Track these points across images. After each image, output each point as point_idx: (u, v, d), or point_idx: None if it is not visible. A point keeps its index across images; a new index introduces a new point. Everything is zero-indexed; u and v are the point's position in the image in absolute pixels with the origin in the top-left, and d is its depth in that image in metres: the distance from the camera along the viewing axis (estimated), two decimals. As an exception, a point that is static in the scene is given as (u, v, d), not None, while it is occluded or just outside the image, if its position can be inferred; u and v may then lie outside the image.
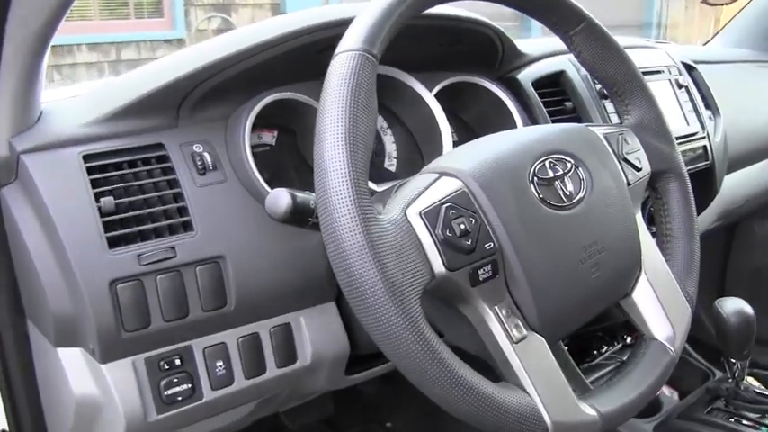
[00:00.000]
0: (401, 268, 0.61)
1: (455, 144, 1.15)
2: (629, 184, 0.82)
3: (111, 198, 0.78)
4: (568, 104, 1.16)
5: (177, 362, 0.81)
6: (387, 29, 0.67)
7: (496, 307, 0.68)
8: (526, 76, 1.13)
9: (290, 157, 0.98)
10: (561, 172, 0.74)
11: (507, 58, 1.11)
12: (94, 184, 0.79)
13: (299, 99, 0.92)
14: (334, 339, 0.91)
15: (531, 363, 0.68)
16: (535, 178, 0.72)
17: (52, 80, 4.26)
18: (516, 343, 0.68)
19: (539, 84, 1.14)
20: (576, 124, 0.83)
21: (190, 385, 0.81)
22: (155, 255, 0.78)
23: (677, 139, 1.27)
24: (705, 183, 1.37)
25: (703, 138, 1.34)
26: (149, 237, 0.80)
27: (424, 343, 0.60)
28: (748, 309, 1.09)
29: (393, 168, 1.09)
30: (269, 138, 0.99)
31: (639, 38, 1.60)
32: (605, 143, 0.82)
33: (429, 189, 0.67)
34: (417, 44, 1.01)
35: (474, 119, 1.15)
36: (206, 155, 0.85)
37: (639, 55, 1.34)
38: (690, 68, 1.43)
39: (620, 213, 0.78)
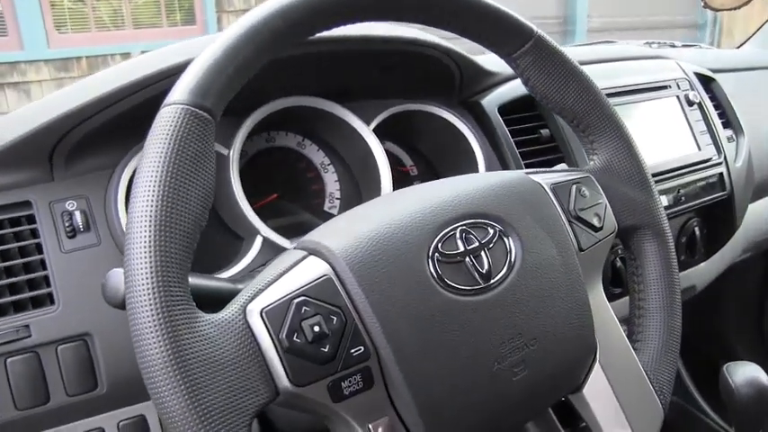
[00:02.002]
0: (226, 387, 0.46)
1: (413, 180, 1.01)
2: (581, 250, 0.64)
3: None
4: (545, 132, 0.98)
5: None
6: (228, 76, 0.51)
7: (371, 425, 0.52)
8: (492, 99, 0.96)
9: None
10: (477, 243, 0.57)
11: (469, 80, 0.94)
12: None
13: None
14: None
15: None
16: (436, 254, 0.55)
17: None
18: None
19: (509, 108, 0.97)
20: (512, 173, 0.66)
21: None
22: (3, 335, 0.67)
23: (685, 167, 1.09)
24: (723, 215, 1.17)
25: (719, 164, 1.14)
26: (7, 311, 0.69)
27: None
28: (764, 378, 0.88)
29: (335, 211, 0.94)
30: None
31: (648, 44, 1.41)
32: (551, 198, 0.64)
33: (286, 275, 0.52)
34: (354, 70, 0.86)
35: (431, 151, 1.00)
36: (77, 213, 0.73)
37: (642, 67, 1.15)
38: (706, 80, 1.23)
39: (564, 291, 0.60)
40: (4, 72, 3.96)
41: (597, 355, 0.64)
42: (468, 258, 0.56)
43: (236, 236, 0.83)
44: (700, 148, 1.12)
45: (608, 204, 0.68)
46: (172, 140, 0.49)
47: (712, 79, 1.24)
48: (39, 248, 0.72)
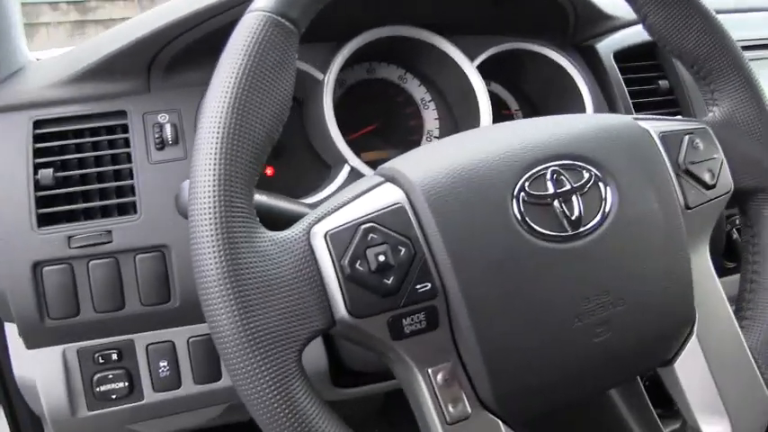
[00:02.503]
0: (279, 310, 0.45)
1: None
2: (688, 208, 0.57)
3: (50, 171, 0.71)
4: (663, 84, 0.90)
5: (114, 357, 0.72)
6: None
7: (430, 370, 0.49)
8: (608, 45, 0.89)
9: (290, 132, 0.83)
10: (569, 187, 0.52)
11: (584, 22, 0.87)
12: (39, 153, 0.72)
13: (299, 67, 0.77)
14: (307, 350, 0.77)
15: None
16: (522, 194, 0.51)
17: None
18: (450, 424, 0.49)
19: (625, 55, 0.90)
20: (618, 116, 0.60)
21: (127, 384, 0.72)
22: (87, 238, 0.70)
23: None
24: None
25: None
26: (94, 216, 0.72)
27: (295, 418, 0.44)
28: None
29: None
30: None
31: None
32: (659, 147, 0.58)
33: (358, 199, 0.49)
34: (463, 2, 0.82)
35: (537, 94, 0.94)
36: (167, 126, 0.74)
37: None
38: None
39: (662, 250, 0.55)
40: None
41: (695, 328, 0.58)
42: (556, 202, 0.52)
43: (326, 164, 0.81)
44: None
45: (725, 161, 0.62)
46: (250, 47, 0.47)
47: None
48: (128, 158, 0.73)
